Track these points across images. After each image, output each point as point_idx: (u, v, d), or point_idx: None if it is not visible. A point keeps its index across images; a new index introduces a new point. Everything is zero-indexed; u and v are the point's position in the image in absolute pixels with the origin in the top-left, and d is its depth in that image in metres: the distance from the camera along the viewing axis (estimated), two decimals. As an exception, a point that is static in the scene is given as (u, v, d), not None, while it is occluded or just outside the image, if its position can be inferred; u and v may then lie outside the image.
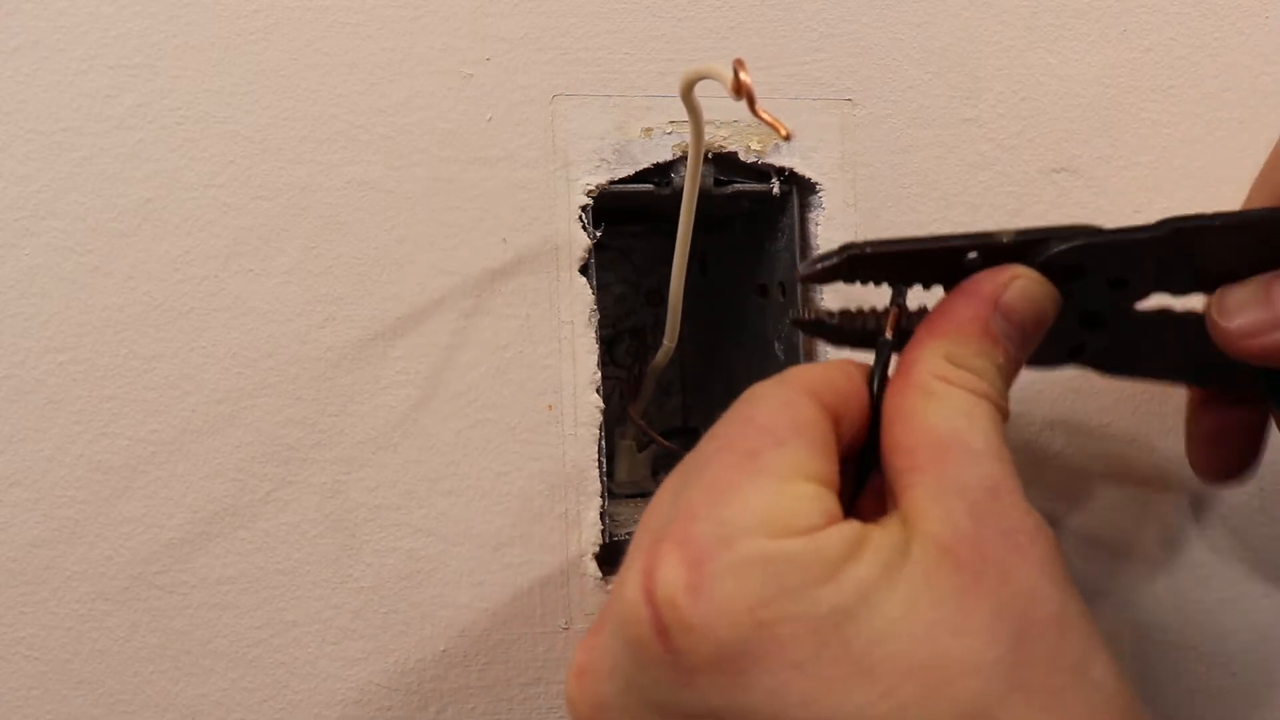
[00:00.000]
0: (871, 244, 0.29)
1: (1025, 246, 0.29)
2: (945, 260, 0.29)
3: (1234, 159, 0.44)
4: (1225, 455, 0.37)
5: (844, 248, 0.29)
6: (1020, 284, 0.28)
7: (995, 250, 0.29)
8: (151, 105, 0.35)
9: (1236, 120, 0.44)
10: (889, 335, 0.29)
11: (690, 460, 0.26)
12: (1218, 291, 0.30)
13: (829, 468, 0.26)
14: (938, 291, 0.30)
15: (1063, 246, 0.28)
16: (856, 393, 0.28)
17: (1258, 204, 0.35)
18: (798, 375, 0.28)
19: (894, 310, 0.30)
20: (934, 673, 0.21)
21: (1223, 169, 0.44)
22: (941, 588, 0.23)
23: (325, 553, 0.36)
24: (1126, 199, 0.43)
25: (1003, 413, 0.27)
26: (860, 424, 0.28)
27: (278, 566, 0.36)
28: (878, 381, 0.28)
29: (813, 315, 0.31)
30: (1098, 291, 0.30)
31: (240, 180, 0.36)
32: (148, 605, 0.35)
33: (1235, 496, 0.44)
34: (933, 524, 0.24)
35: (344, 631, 0.37)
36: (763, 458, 0.25)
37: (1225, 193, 0.44)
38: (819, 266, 0.29)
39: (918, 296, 0.30)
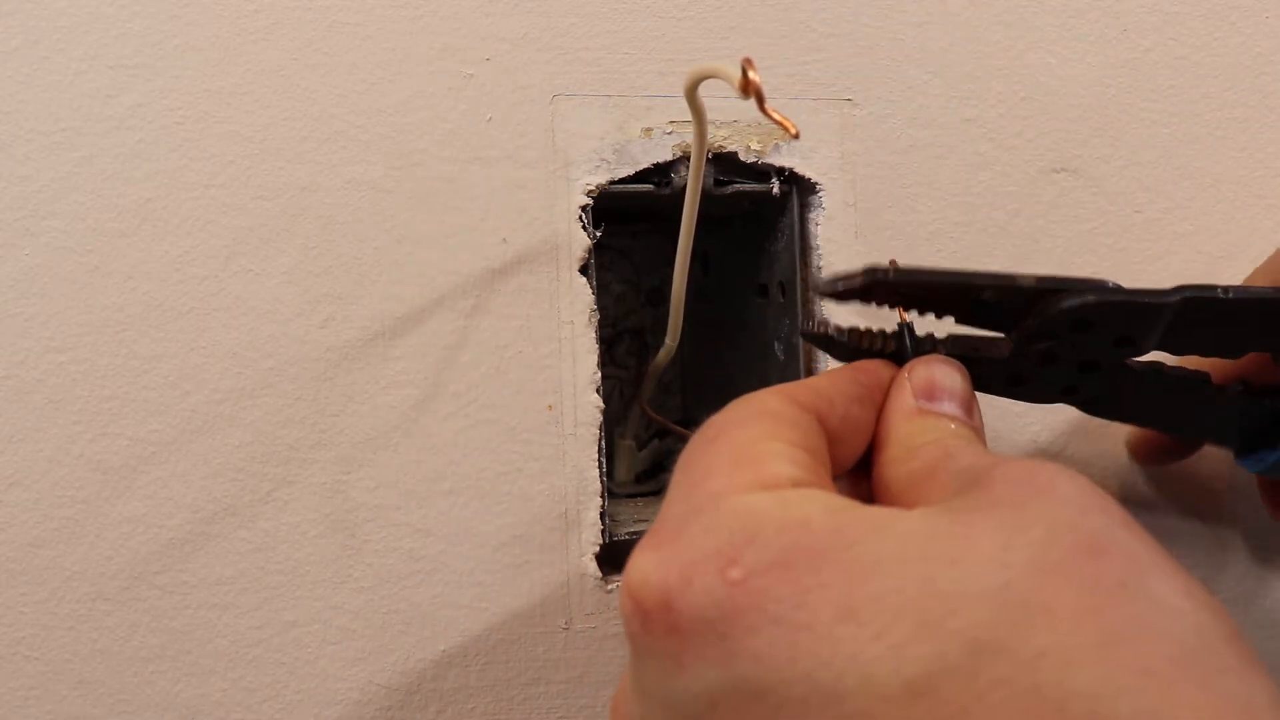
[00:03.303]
0: (896, 270, 0.29)
1: (1043, 295, 0.29)
2: (963, 295, 0.29)
3: (1234, 159, 0.44)
4: None
5: (868, 271, 0.29)
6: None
7: (1013, 294, 0.29)
8: (151, 105, 0.35)
9: (1236, 120, 0.44)
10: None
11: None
12: None
13: (807, 440, 0.25)
14: (948, 321, 0.30)
15: (1076, 301, 0.29)
16: (840, 394, 0.27)
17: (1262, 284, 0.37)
18: (769, 388, 0.27)
19: (905, 333, 0.30)
20: (930, 604, 0.19)
21: (1223, 169, 0.44)
22: (938, 527, 0.21)
23: (325, 553, 0.36)
24: (1126, 199, 0.43)
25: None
26: (850, 429, 0.27)
27: (278, 566, 0.36)
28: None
29: (820, 330, 0.31)
30: (1101, 345, 0.30)
31: (240, 180, 0.36)
32: (148, 605, 0.35)
33: (1241, 493, 0.44)
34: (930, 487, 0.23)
35: (344, 631, 0.37)
36: (722, 438, 0.24)
37: (1225, 193, 0.44)
38: (840, 286, 0.29)
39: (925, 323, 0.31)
